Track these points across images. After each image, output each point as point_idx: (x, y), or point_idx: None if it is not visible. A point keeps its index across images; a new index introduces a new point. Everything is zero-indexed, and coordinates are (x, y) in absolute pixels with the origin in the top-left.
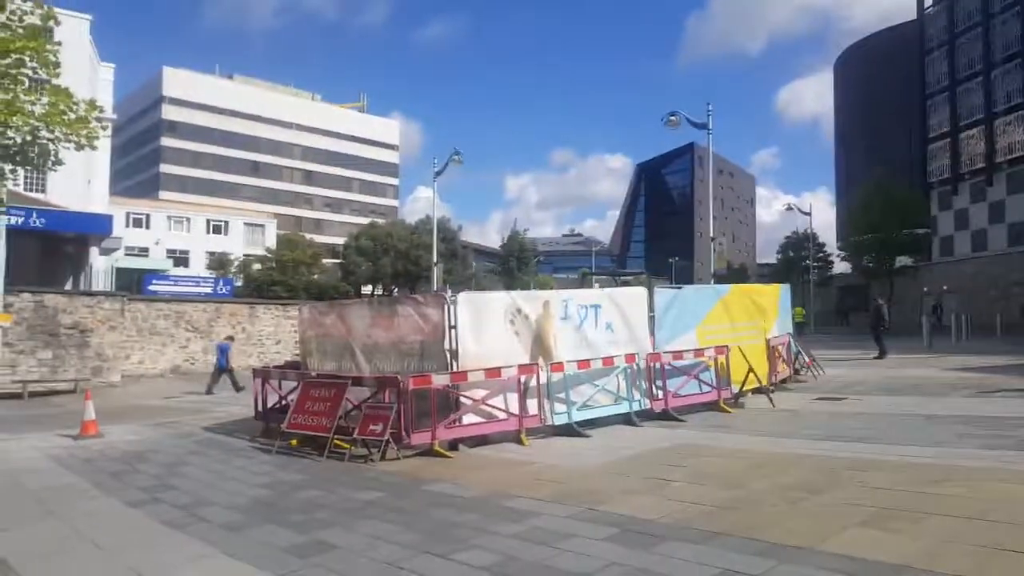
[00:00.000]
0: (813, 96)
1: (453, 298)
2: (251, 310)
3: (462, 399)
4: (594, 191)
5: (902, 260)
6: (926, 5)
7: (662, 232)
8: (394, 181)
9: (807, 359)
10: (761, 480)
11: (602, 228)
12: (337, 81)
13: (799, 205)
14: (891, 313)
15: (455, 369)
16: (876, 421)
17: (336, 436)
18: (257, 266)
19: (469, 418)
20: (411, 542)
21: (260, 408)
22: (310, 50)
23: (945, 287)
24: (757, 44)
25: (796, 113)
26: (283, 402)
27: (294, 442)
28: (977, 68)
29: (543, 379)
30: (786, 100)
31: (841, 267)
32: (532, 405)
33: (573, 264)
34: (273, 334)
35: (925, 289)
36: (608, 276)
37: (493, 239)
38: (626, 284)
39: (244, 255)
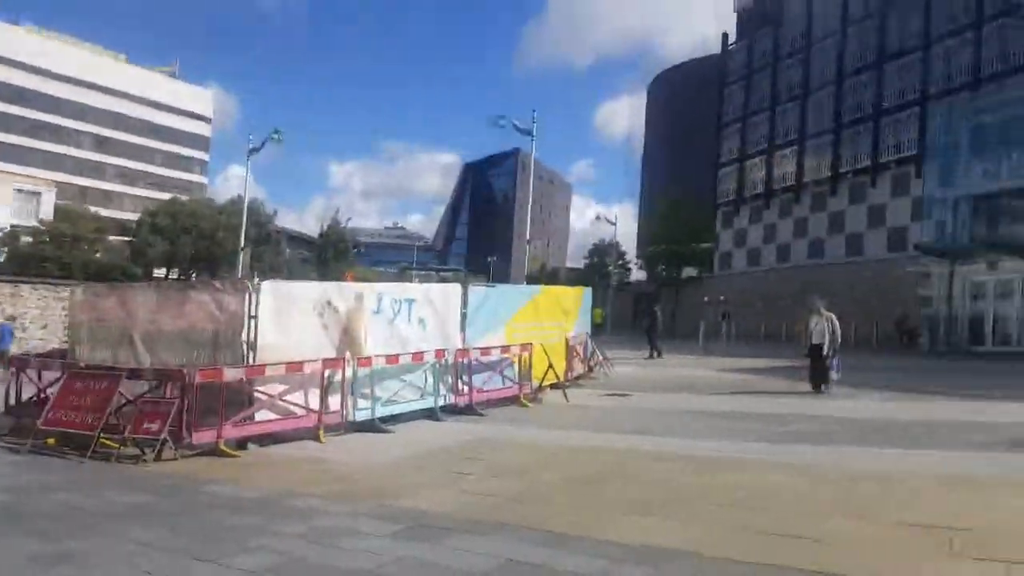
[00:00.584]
0: (629, 114)
1: (257, 286)
2: (14, 289)
3: (257, 394)
4: (422, 185)
5: (688, 271)
6: (730, 42)
7: (484, 231)
8: (203, 156)
9: (600, 358)
10: (551, 472)
11: (427, 223)
12: (161, 49)
13: (607, 215)
14: (665, 318)
15: (253, 362)
16: (657, 416)
17: (105, 435)
18: (27, 239)
19: (263, 415)
20: (180, 547)
21: (12, 402)
22: (125, 9)
23: (723, 297)
24: (585, 60)
25: (613, 129)
26: (42, 395)
27: (51, 441)
28: (765, 104)
29: (348, 374)
30: (605, 116)
31: (639, 274)
32: (336, 401)
33: (394, 258)
34: (39, 318)
35: (706, 298)
36: (428, 271)
37: (311, 227)
38: (444, 280)
39: (11, 225)
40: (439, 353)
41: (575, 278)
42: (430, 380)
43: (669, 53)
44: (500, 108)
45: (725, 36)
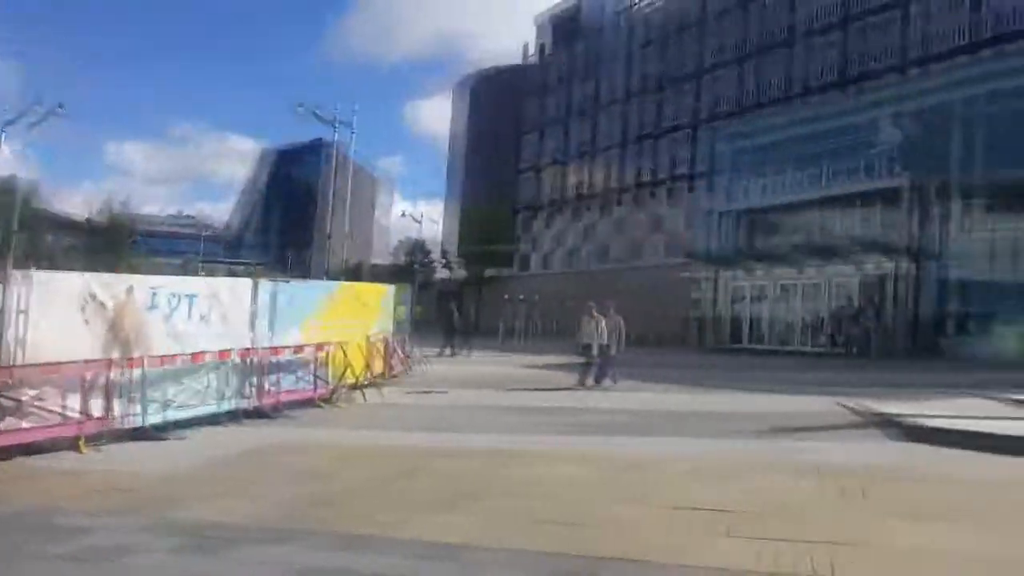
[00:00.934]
0: (439, 114)
1: (28, 276)
2: None
3: (3, 401)
4: (215, 171)
5: (491, 271)
6: (531, 54)
7: (285, 223)
8: None
9: (403, 355)
10: (350, 473)
11: (220, 212)
12: None
13: (415, 213)
14: (470, 316)
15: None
16: (459, 413)
17: None
18: None
19: (10, 423)
20: None
21: None
22: None
23: (522, 296)
24: (395, 56)
25: (423, 127)
26: None
27: None
28: (562, 116)
29: (119, 376)
30: (416, 113)
31: (445, 273)
32: (103, 406)
33: (182, 249)
34: None
35: (506, 297)
36: (218, 265)
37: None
38: (235, 275)
39: None
40: (224, 354)
41: (382, 275)
42: (217, 382)
43: (477, 57)
44: (306, 96)
45: (526, 48)
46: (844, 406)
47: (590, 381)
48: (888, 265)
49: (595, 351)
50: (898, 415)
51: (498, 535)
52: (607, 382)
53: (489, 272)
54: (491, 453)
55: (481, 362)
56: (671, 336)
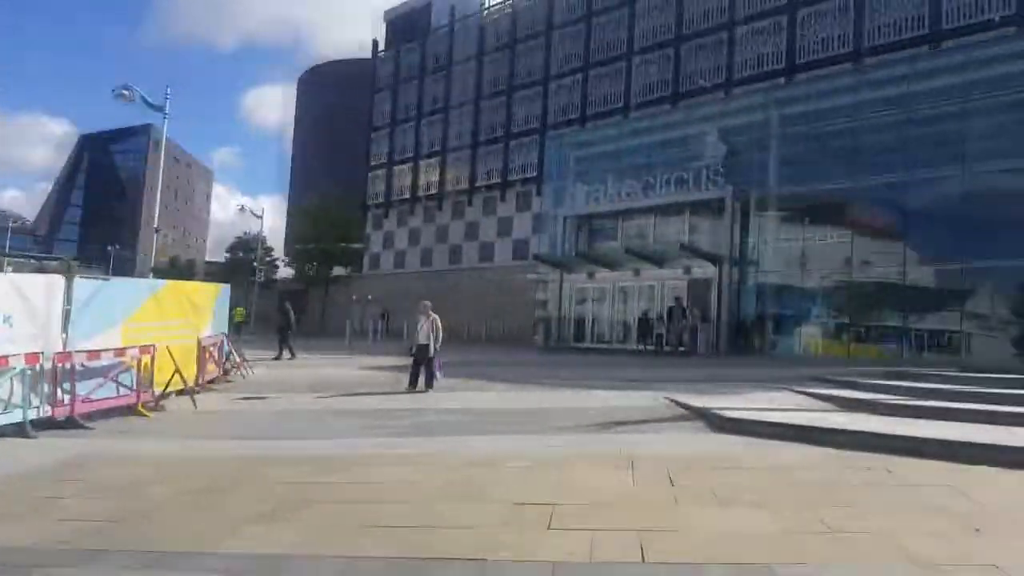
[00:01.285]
0: (280, 104)
1: None
2: None
3: None
4: (23, 157)
5: (338, 270)
6: (379, 49)
7: (104, 216)
8: None
9: (238, 359)
10: (167, 486)
11: (28, 202)
12: None
13: (254, 208)
14: (290, 317)
15: None
16: (292, 418)
17: None
18: None
19: None
20: None
21: None
22: None
23: (370, 296)
24: (230, 40)
25: (263, 117)
26: None
27: None
28: (412, 114)
29: None
30: (254, 102)
31: (287, 272)
32: None
33: None
34: None
35: (354, 297)
36: (25, 259)
37: None
38: (45, 270)
39: None
40: (32, 358)
41: (216, 272)
42: (22, 389)
43: (322, 48)
44: (128, 78)
45: (376, 43)
46: (670, 400)
47: (433, 380)
48: (712, 270)
49: (430, 351)
50: (716, 408)
51: (326, 543)
52: (435, 381)
53: (337, 271)
54: (324, 459)
55: (322, 364)
56: (519, 335)
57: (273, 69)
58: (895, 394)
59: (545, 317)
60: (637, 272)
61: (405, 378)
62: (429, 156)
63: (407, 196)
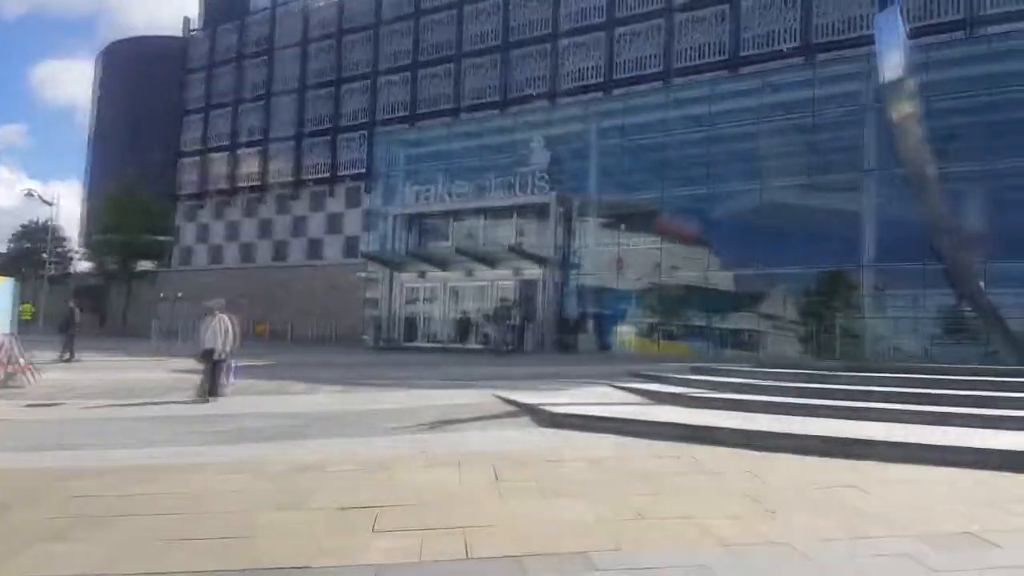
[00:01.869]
0: (75, 81)
1: None
2: None
3: None
4: None
5: (144, 264)
6: (192, 27)
7: None
8: None
9: (24, 363)
10: None
11: None
12: None
13: (44, 193)
14: (74, 316)
15: None
16: (93, 426)
17: None
18: None
19: None
20: None
21: None
22: None
23: (180, 294)
24: (15, 6)
25: (56, 94)
26: None
27: None
28: (229, 99)
29: None
30: (46, 77)
31: (84, 265)
32: None
33: None
34: None
35: (162, 295)
36: None
37: None
38: None
39: None
40: None
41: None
42: None
43: (128, 20)
44: None
45: (187, 20)
46: (499, 398)
47: (217, 388)
48: (539, 271)
49: (218, 355)
50: (542, 404)
51: (132, 560)
52: (226, 388)
53: (143, 265)
54: (131, 469)
55: (126, 367)
56: (349, 335)
57: (68, 40)
58: (700, 388)
59: (376, 317)
60: (469, 272)
61: (222, 380)
62: (249, 145)
63: (225, 187)
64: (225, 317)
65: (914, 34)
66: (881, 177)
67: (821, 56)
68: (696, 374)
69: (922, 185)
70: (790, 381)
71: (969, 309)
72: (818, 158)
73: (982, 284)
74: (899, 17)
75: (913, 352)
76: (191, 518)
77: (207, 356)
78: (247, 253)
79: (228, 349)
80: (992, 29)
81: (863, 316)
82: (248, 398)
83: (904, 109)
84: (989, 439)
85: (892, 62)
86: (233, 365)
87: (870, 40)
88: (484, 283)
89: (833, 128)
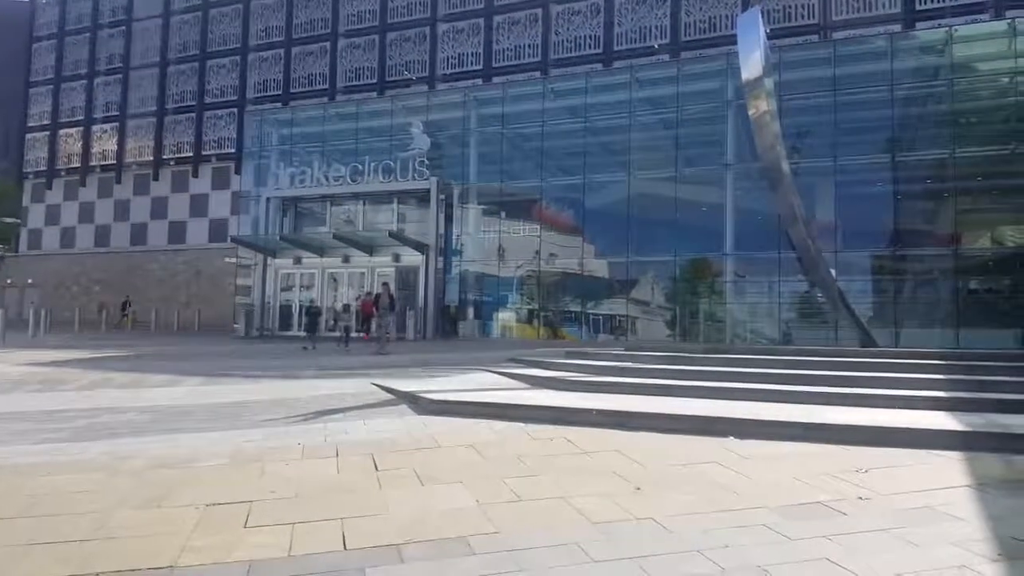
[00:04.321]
0: None
1: None
2: None
3: None
4: None
5: None
6: None
7: None
8: None
9: None
10: None
11: None
12: None
13: None
14: None
15: None
16: None
17: None
18: None
19: None
20: None
21: None
22: None
23: (30, 280)
24: None
25: None
26: None
27: None
28: (82, 72)
29: None
30: None
31: None
32: None
33: None
34: None
35: (9, 281)
36: None
37: None
38: None
39: None
40: None
41: None
42: None
43: None
44: None
45: None
46: (377, 386)
47: None
48: (420, 258)
49: None
50: (421, 392)
51: None
52: None
53: None
54: None
55: None
56: (220, 324)
57: None
58: (574, 371)
59: (248, 304)
60: (347, 258)
61: (78, 373)
62: (105, 121)
63: (77, 165)
64: None
65: (773, 35)
66: (740, 171)
67: (686, 54)
68: (570, 358)
69: (777, 178)
70: (658, 363)
71: (820, 295)
72: (684, 151)
73: (832, 271)
74: (760, 19)
75: (770, 335)
76: (42, 522)
77: None
78: (102, 236)
79: None
80: (842, 34)
81: (725, 302)
82: (105, 391)
83: (761, 106)
84: (836, 415)
85: (752, 61)
86: None
87: (733, 40)
88: (364, 269)
89: (697, 123)
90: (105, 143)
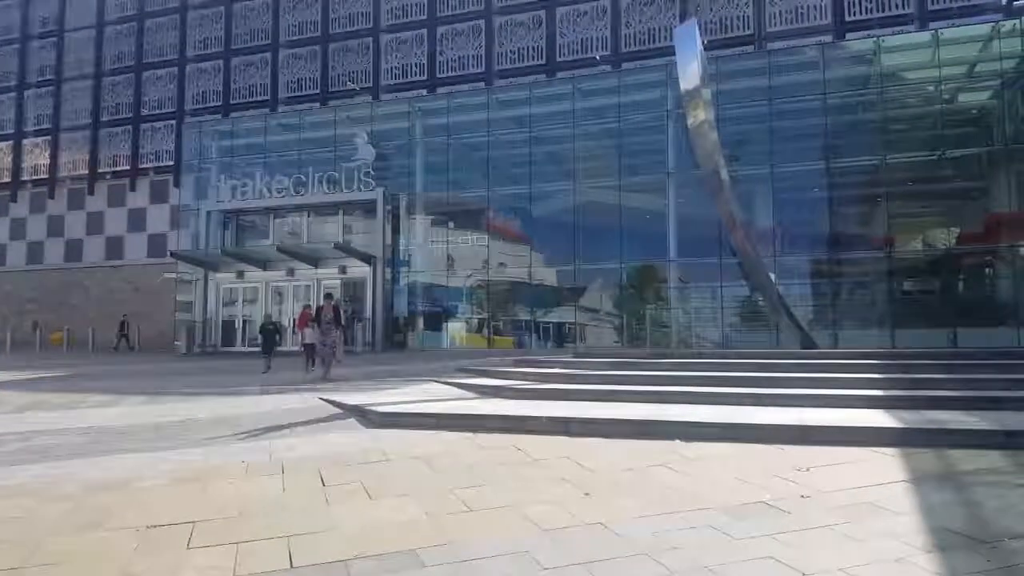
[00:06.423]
0: None
1: None
2: None
3: None
4: None
5: None
6: None
7: None
8: None
9: None
10: None
11: None
12: None
13: None
14: None
15: None
16: None
17: None
18: None
19: None
20: None
21: None
22: None
23: None
24: None
25: None
26: None
27: None
28: (12, 83)
29: None
30: None
31: None
32: None
33: None
34: None
35: None
36: None
37: None
38: None
39: None
40: None
41: None
42: None
43: None
44: None
45: None
46: (324, 400)
47: None
48: (367, 269)
49: None
50: (369, 405)
51: None
52: None
53: None
54: None
55: None
56: (160, 341)
57: None
58: (522, 380)
59: (189, 321)
60: (291, 271)
61: (9, 395)
62: (37, 135)
63: (6, 180)
64: None
65: (710, 47)
66: (681, 178)
67: (627, 64)
68: (519, 367)
69: (717, 186)
70: (605, 370)
71: (760, 299)
72: (627, 160)
73: (772, 275)
74: (697, 31)
75: (714, 339)
76: None
77: None
78: (35, 254)
79: None
80: (776, 45)
81: (670, 307)
82: (37, 414)
83: (700, 116)
84: (778, 416)
85: (690, 72)
86: None
87: (672, 51)
88: (309, 282)
89: (639, 132)
90: (37, 157)
